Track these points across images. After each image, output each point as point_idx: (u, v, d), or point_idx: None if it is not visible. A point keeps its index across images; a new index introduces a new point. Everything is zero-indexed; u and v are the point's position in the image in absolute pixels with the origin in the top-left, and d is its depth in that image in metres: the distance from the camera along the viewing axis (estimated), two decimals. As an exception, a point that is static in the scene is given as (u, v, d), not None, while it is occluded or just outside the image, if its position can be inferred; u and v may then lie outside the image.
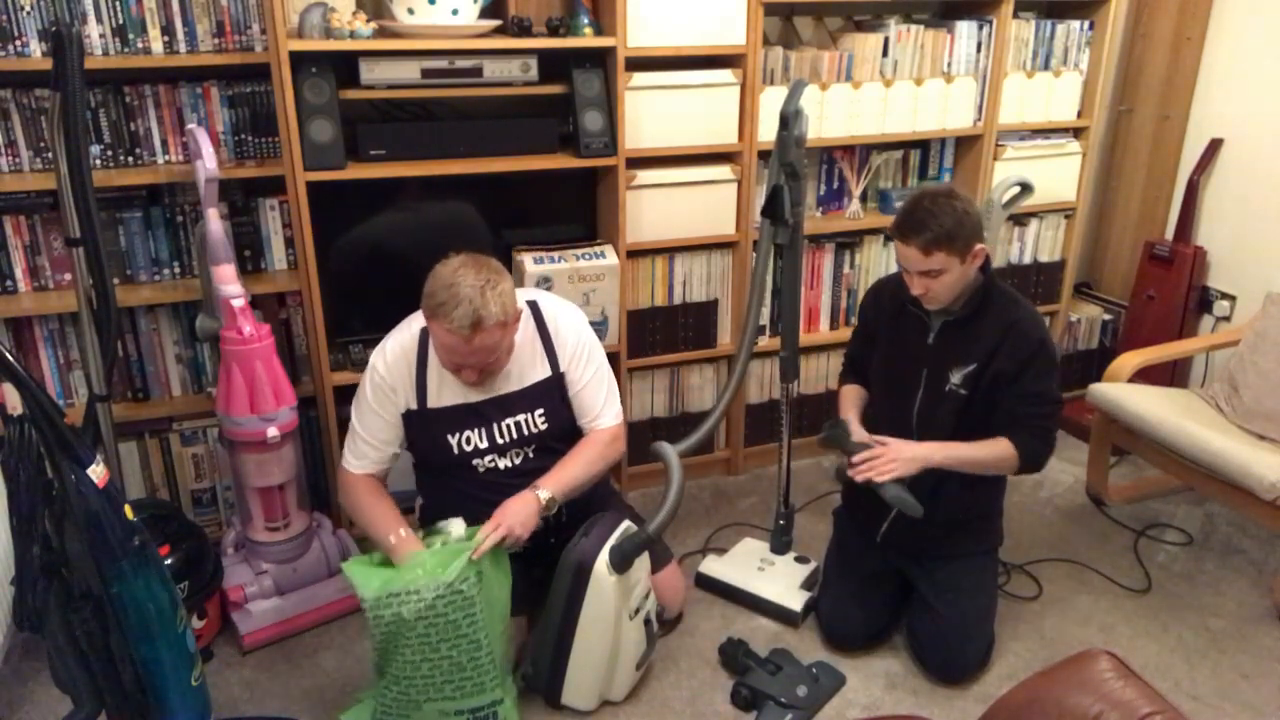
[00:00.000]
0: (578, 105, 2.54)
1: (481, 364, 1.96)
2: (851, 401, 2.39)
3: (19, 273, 2.42)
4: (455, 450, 2.08)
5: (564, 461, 2.09)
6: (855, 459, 2.13)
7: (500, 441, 2.09)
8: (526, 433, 2.11)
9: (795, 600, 2.42)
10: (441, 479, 2.16)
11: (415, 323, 2.07)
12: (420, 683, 1.93)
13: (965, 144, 3.14)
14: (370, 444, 2.08)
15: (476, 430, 2.08)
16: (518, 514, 1.96)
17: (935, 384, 2.20)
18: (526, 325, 2.09)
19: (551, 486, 2.02)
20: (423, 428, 2.07)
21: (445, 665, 1.92)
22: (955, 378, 2.17)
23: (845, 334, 2.98)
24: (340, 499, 2.20)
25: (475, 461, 2.09)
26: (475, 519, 1.99)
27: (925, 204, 2.04)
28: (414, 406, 2.06)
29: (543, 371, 2.11)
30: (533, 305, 2.12)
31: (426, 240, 2.57)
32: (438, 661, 1.91)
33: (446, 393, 2.06)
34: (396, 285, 2.35)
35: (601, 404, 2.15)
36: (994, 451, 2.14)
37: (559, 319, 2.13)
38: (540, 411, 2.11)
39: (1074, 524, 2.89)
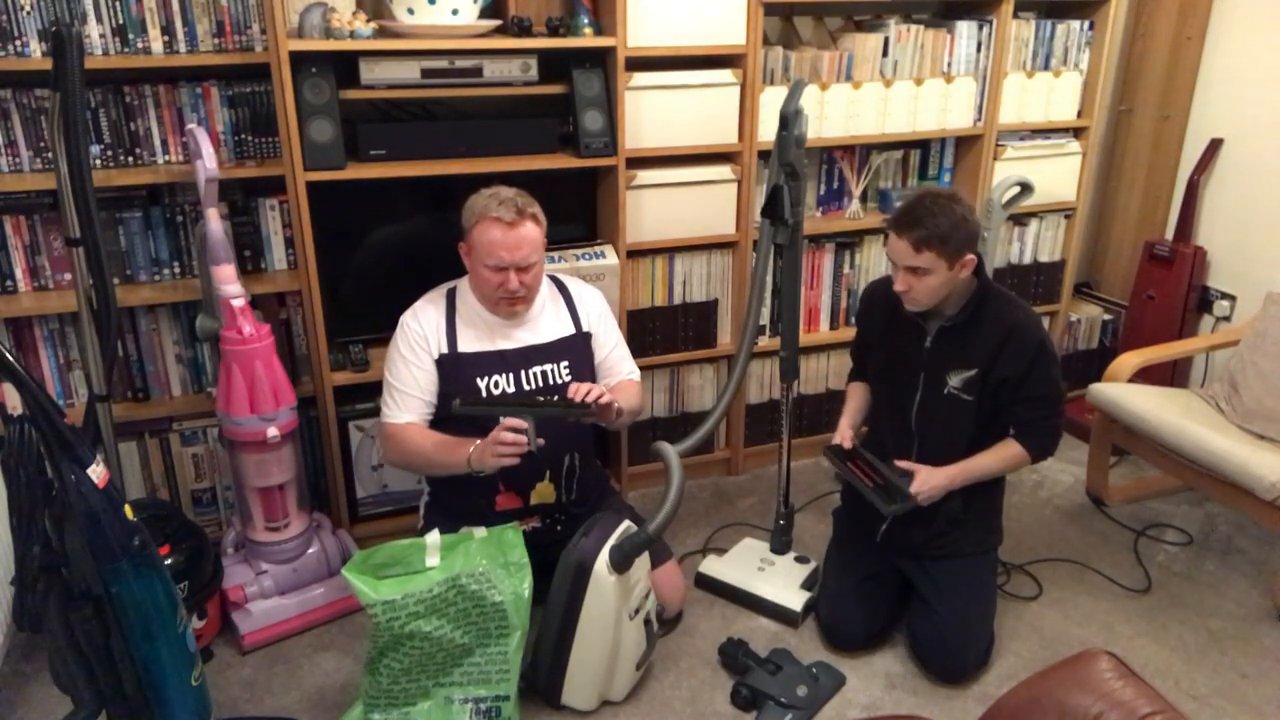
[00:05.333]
0: (578, 105, 2.53)
1: (525, 261, 2.10)
2: (856, 401, 2.42)
3: (19, 273, 2.41)
4: (484, 394, 2.19)
5: (615, 390, 2.29)
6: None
7: (527, 388, 2.22)
8: (552, 382, 2.24)
9: (795, 600, 2.42)
10: (466, 435, 2.17)
11: (442, 287, 2.27)
12: (432, 668, 1.97)
13: (965, 144, 3.14)
14: (410, 394, 2.18)
15: (504, 375, 2.21)
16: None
17: (933, 387, 2.21)
18: (549, 288, 2.30)
19: (619, 400, 2.20)
20: (454, 370, 2.19)
21: (456, 651, 1.96)
22: (955, 381, 2.17)
23: (845, 334, 2.99)
24: (388, 454, 2.26)
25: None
26: (486, 496, 2.10)
27: (926, 202, 2.05)
28: (445, 351, 2.19)
29: (566, 329, 2.29)
30: (552, 277, 2.34)
31: (426, 240, 2.57)
32: (450, 650, 1.95)
33: (475, 341, 2.21)
34: (396, 285, 2.36)
35: (628, 363, 2.41)
36: (1005, 457, 2.21)
37: (580, 287, 2.37)
38: (565, 364, 2.26)
39: (1074, 524, 2.89)
